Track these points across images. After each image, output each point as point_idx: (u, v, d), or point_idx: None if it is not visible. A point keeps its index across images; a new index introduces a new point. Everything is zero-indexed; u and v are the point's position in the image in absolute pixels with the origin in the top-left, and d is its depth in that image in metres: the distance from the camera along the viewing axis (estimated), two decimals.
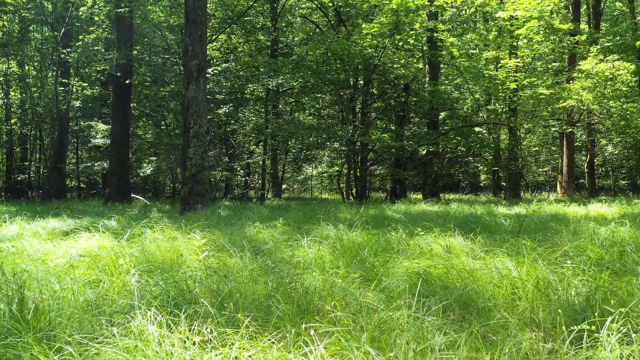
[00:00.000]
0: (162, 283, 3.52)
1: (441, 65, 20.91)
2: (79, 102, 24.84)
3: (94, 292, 3.49)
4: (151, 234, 5.94)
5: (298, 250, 4.89)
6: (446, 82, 21.19)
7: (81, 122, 26.96)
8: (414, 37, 14.98)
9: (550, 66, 20.46)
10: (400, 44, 16.48)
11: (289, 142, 24.57)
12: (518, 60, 14.75)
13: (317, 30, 23.82)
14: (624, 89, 15.02)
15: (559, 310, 2.98)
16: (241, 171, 21.46)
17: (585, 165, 24.41)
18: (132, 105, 21.93)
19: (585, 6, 26.25)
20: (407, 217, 9.23)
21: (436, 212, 10.55)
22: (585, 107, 16.91)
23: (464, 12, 25.79)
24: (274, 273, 3.83)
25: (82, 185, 27.82)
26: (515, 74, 14.30)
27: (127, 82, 16.62)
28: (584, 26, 23.25)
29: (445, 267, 3.87)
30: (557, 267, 3.95)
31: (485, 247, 5.37)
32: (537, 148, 29.33)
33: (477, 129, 19.22)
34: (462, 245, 5.31)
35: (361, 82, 19.40)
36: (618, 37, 24.66)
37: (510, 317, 3.05)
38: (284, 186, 31.06)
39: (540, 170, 30.06)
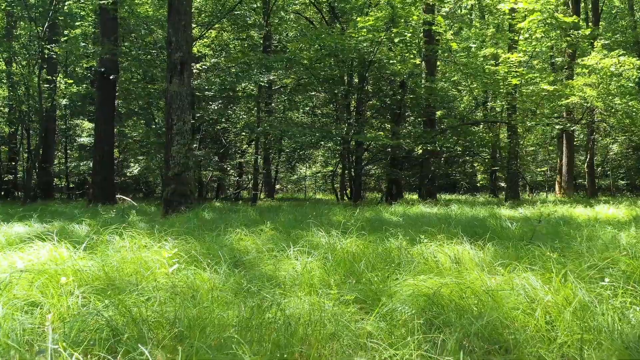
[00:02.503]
0: (110, 309, 2.83)
1: (438, 63, 20.29)
2: (65, 99, 24.02)
3: (26, 321, 2.80)
4: (119, 241, 5.24)
5: (283, 263, 4.22)
6: (443, 79, 20.59)
7: (71, 121, 26.18)
8: (411, 30, 14.33)
9: (553, 61, 19.83)
10: (397, 40, 15.84)
11: (282, 142, 23.89)
12: (520, 54, 14.12)
13: (311, 26, 23.14)
14: (631, 85, 14.43)
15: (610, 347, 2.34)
16: (232, 171, 20.74)
17: (585, 165, 23.88)
18: (119, 102, 21.18)
19: (583, 3, 25.77)
20: (405, 220, 8.57)
21: (436, 214, 9.91)
22: (588, 104, 16.32)
23: (459, 10, 25.20)
24: (250, 294, 3.15)
25: (71, 185, 27.02)
26: (517, 70, 13.69)
27: (111, 77, 15.86)
28: (582, 24, 22.76)
29: (458, 286, 3.20)
30: (591, 284, 3.31)
31: (498, 257, 4.72)
32: (533, 148, 28.82)
33: (476, 127, 18.61)
34: (472, 254, 4.65)
35: (356, 80, 18.75)
36: (618, 35, 24.18)
37: (548, 357, 2.39)
38: (277, 186, 30.36)
39: (538, 170, 29.54)
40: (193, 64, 16.37)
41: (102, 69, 16.07)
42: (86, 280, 3.76)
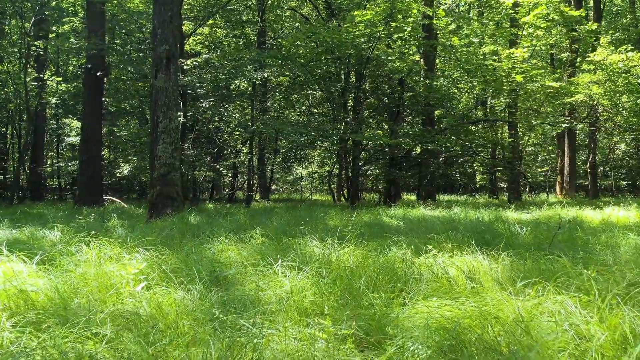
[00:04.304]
0: (42, 350, 2.22)
1: (437, 61, 19.70)
2: (55, 98, 23.34)
3: None
4: (87, 252, 4.62)
5: (270, 279, 3.61)
6: (442, 77, 20.02)
7: (63, 120, 25.53)
8: (411, 25, 13.73)
9: (554, 58, 19.23)
10: (395, 36, 15.24)
11: (278, 142, 23.28)
12: (525, 49, 13.51)
13: (307, 23, 22.54)
14: (639, 82, 13.85)
15: None
16: (224, 171, 20.10)
17: (588, 165, 23.35)
18: (109, 101, 20.52)
19: (584, 1, 25.28)
20: (406, 224, 7.98)
21: (438, 217, 9.32)
22: (595, 102, 15.75)
23: (457, 8, 24.64)
24: (224, 325, 2.54)
25: (63, 186, 26.35)
26: (521, 66, 13.10)
27: (98, 74, 15.21)
28: (583, 22, 22.28)
29: (481, 314, 2.61)
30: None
31: (516, 270, 4.12)
32: (532, 147, 28.33)
33: (475, 126, 18.00)
34: (487, 268, 4.06)
35: (353, 78, 18.16)
36: (619, 33, 23.70)
37: None
38: (273, 187, 29.74)
39: (539, 170, 29.02)
40: (184, 59, 15.75)
41: (89, 66, 15.42)
42: (33, 304, 3.15)
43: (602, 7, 24.61)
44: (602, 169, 28.46)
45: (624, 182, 29.11)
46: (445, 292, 3.23)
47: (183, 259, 4.25)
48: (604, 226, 7.87)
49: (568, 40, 17.03)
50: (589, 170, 23.42)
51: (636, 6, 25.24)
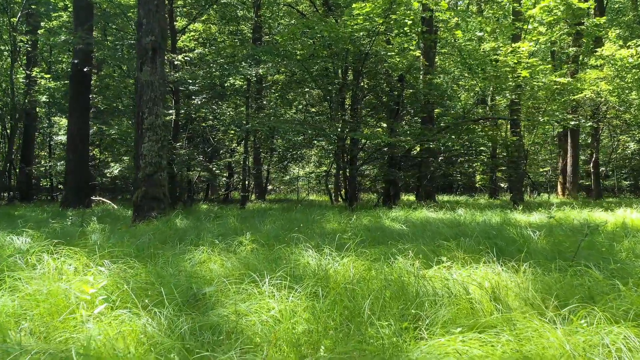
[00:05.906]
0: None
1: (437, 59, 19.15)
2: (45, 96, 22.67)
3: None
4: (48, 263, 4.02)
5: (255, 299, 3.02)
6: (442, 75, 19.44)
7: (54, 119, 24.87)
8: (412, 18, 13.15)
9: (566, 52, 18.64)
10: (395, 31, 14.66)
11: (275, 141, 22.71)
12: (531, 44, 12.93)
13: (304, 20, 21.96)
14: None
15: None
16: (217, 171, 19.51)
17: (591, 165, 22.84)
18: (99, 99, 19.87)
19: None
20: (410, 228, 7.41)
21: (443, 220, 8.75)
22: (602, 99, 15.22)
23: (456, 6, 24.13)
24: None
25: (56, 185, 25.69)
26: (527, 61, 12.54)
27: (85, 69, 14.58)
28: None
29: (519, 351, 2.03)
30: None
31: (544, 285, 3.55)
32: (533, 147, 27.83)
33: (476, 125, 17.44)
34: (511, 284, 3.47)
35: (350, 76, 17.58)
36: (620, 31, 23.24)
37: None
38: (269, 187, 29.15)
39: (541, 170, 28.52)
40: (175, 55, 15.15)
41: (76, 61, 14.80)
42: None
43: (605, 4, 24.12)
44: (603, 168, 28.01)
45: (626, 183, 28.68)
46: (468, 319, 2.65)
47: (156, 273, 3.66)
48: (620, 230, 7.34)
49: (571, 37, 16.48)
50: (592, 170, 22.92)
51: (638, 3, 24.78)
